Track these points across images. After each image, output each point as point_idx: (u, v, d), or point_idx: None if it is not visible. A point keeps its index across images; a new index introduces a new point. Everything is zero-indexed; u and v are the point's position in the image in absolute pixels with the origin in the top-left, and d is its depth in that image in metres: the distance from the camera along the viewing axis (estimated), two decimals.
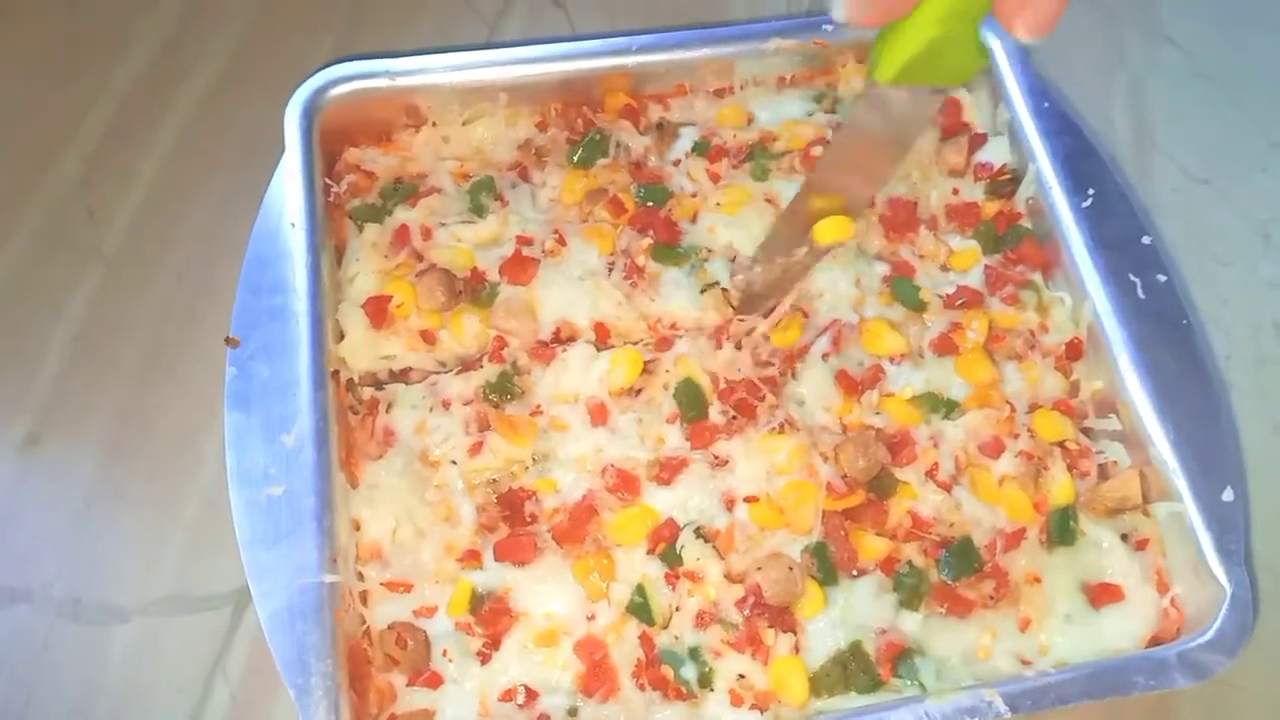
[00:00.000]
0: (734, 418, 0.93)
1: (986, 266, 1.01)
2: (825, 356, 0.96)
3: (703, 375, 0.94)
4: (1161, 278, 0.96)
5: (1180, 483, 0.88)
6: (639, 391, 0.95)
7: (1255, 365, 1.05)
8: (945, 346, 0.97)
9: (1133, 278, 0.96)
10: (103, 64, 1.23)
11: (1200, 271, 1.08)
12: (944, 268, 1.02)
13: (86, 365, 1.05)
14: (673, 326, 0.99)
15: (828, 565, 0.87)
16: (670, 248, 1.01)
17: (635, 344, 0.98)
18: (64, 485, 0.99)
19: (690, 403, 0.93)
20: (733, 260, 1.01)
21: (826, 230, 0.90)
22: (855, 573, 0.88)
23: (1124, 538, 0.90)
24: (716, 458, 0.92)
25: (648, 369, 0.95)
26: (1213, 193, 1.16)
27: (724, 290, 0.99)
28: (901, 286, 1.00)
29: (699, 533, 0.88)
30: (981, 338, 0.97)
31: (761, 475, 0.91)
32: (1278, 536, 0.94)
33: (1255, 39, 1.26)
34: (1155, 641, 0.86)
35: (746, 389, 0.94)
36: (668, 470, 0.91)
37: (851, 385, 0.95)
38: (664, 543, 0.88)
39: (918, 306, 0.99)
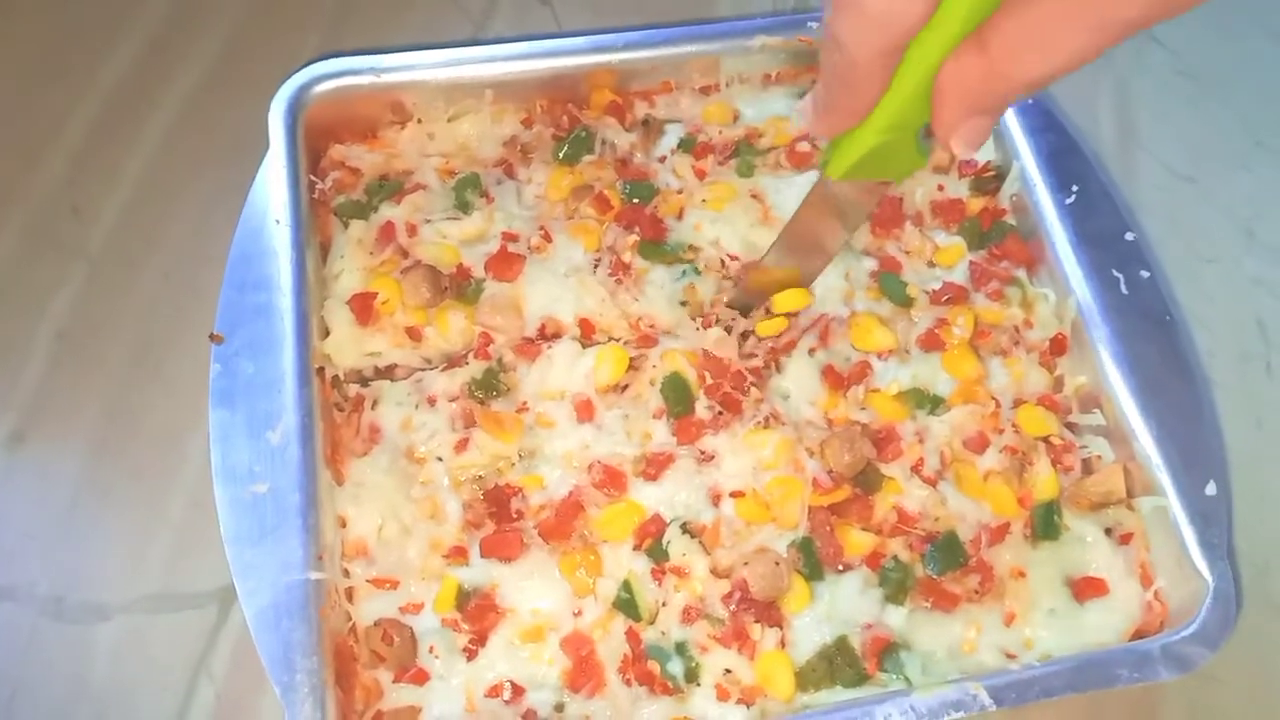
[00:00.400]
0: (720, 413, 0.93)
1: (971, 262, 1.02)
2: (811, 351, 0.96)
3: (689, 370, 0.94)
4: (1145, 274, 0.97)
5: (1163, 477, 0.88)
6: (625, 388, 0.95)
7: (1238, 361, 1.06)
8: (932, 342, 0.97)
9: (1116, 274, 0.97)
10: (89, 62, 1.23)
11: (1184, 268, 1.09)
12: (930, 264, 1.03)
13: (72, 363, 1.04)
14: (651, 326, 0.99)
15: (813, 560, 0.88)
16: (656, 244, 1.01)
17: (618, 340, 0.98)
18: (49, 483, 0.99)
19: (677, 398, 0.93)
20: (721, 266, 1.01)
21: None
22: (841, 568, 0.88)
23: (1108, 532, 0.90)
24: (703, 453, 0.92)
25: (633, 365, 0.95)
26: (1197, 190, 1.16)
27: (704, 306, 0.99)
28: (889, 282, 1.00)
29: (685, 528, 0.88)
30: (967, 334, 0.97)
31: (748, 470, 0.91)
32: (1259, 531, 0.95)
33: (1241, 38, 1.27)
34: (1139, 635, 0.86)
35: (732, 381, 0.94)
36: (654, 466, 0.91)
37: (837, 380, 0.95)
38: (650, 538, 0.88)
39: (905, 302, 1.00)
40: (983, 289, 1.00)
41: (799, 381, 0.95)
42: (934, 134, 0.67)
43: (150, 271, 1.09)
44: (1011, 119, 1.04)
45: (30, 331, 1.06)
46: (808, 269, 0.97)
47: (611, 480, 0.90)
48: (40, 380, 1.04)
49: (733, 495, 0.90)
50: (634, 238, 1.01)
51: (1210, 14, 1.29)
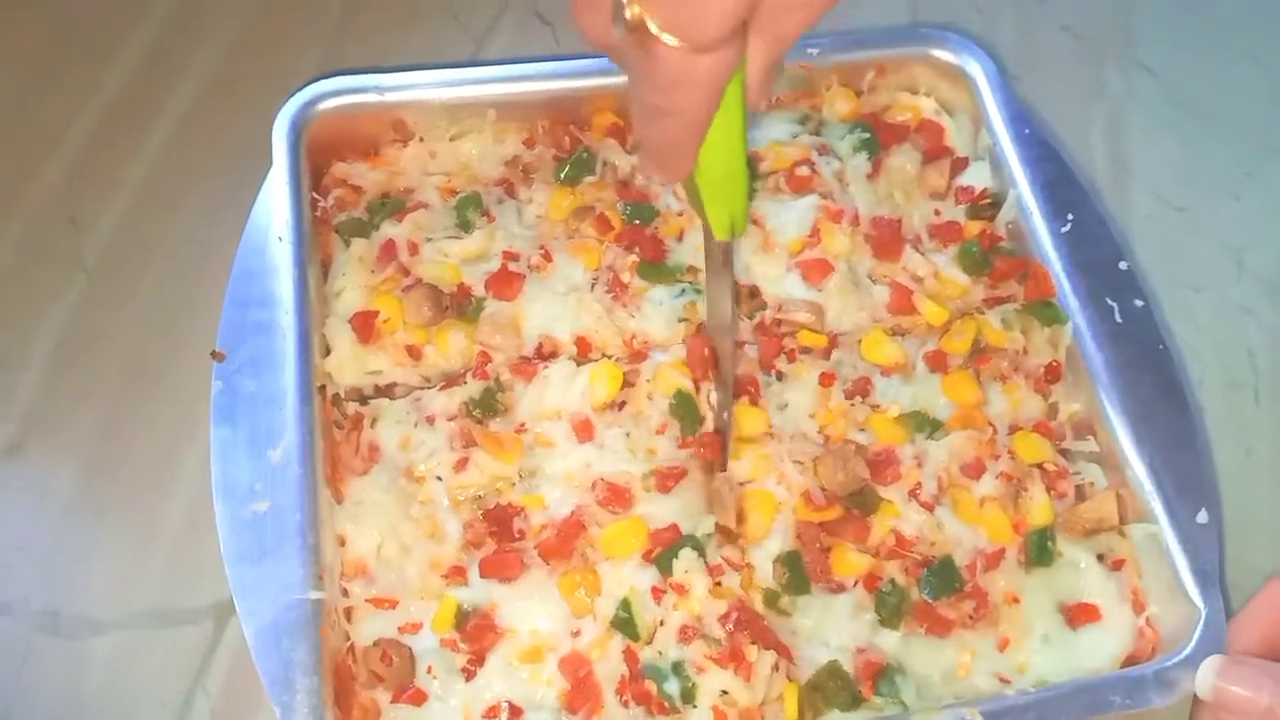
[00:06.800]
0: None
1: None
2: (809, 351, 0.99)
3: (688, 384, 0.95)
4: (1139, 302, 0.98)
5: (1156, 504, 0.89)
6: (623, 405, 0.96)
7: (1228, 390, 1.07)
8: (938, 361, 0.98)
9: (1110, 302, 0.98)
10: (88, 72, 1.23)
11: (1175, 297, 1.10)
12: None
13: (69, 375, 1.04)
14: (645, 343, 1.00)
15: (800, 574, 0.89)
16: (656, 265, 1.02)
17: (611, 357, 0.98)
18: (44, 496, 0.99)
19: (687, 415, 0.94)
20: None
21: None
22: (834, 588, 0.89)
23: (1100, 558, 0.91)
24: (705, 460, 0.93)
25: (628, 380, 0.96)
26: (1187, 220, 1.18)
27: (700, 325, 1.00)
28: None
29: (694, 542, 0.88)
30: (967, 342, 0.98)
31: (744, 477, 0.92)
32: (1250, 558, 0.96)
33: (1230, 69, 1.29)
34: (1131, 661, 0.87)
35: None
36: (670, 478, 0.91)
37: (829, 380, 0.97)
38: (662, 547, 0.88)
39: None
40: (988, 312, 1.01)
41: (799, 392, 0.96)
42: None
43: (149, 284, 1.09)
44: (1008, 148, 1.06)
45: (27, 342, 1.06)
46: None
47: (616, 497, 0.91)
48: (37, 392, 1.03)
49: None
50: (634, 258, 1.02)
51: (1201, 45, 1.31)
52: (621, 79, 1.07)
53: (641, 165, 0.76)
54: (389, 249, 1.01)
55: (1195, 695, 0.81)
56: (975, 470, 0.93)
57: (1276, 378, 1.08)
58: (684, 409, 0.94)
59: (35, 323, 1.07)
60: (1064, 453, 0.96)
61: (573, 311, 0.99)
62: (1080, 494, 0.94)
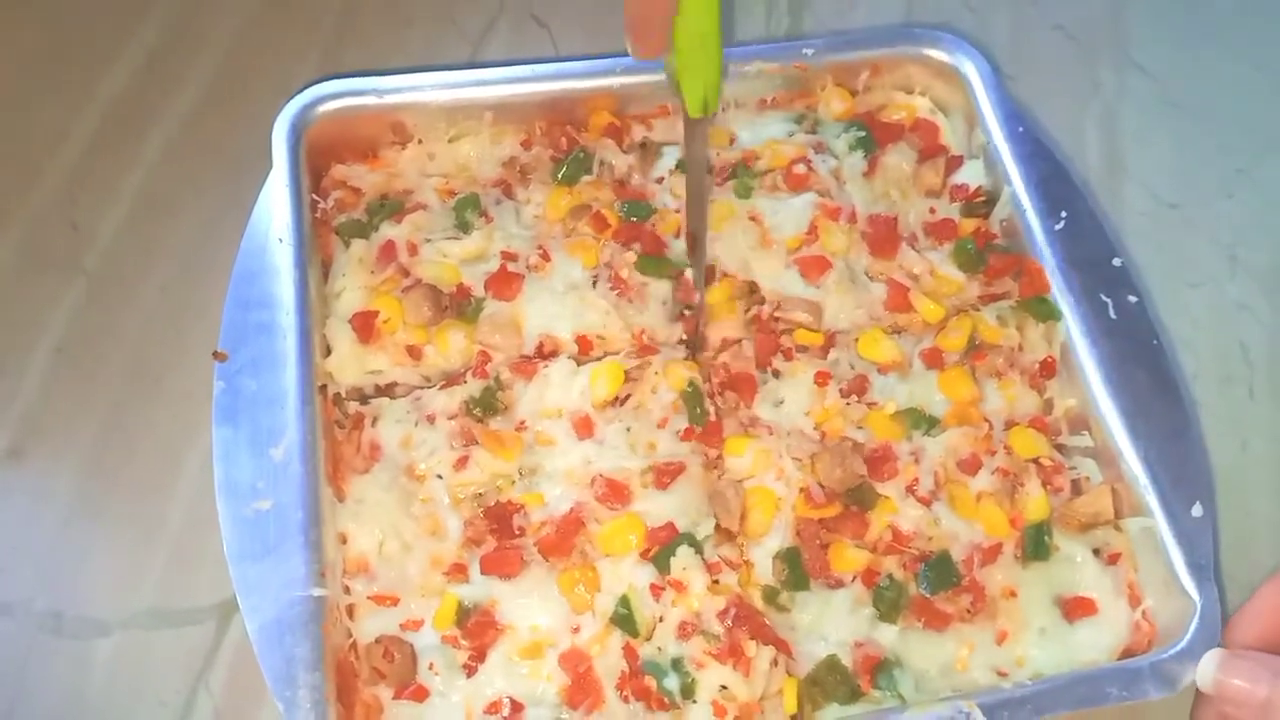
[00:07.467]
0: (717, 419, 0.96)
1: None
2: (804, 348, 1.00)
3: (696, 377, 0.96)
4: (1132, 298, 0.99)
5: (1151, 498, 0.90)
6: (626, 399, 0.96)
7: (1222, 384, 1.08)
8: (934, 359, 0.99)
9: (1104, 298, 0.99)
10: (87, 76, 1.23)
11: (1170, 293, 1.11)
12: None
13: (70, 378, 1.05)
14: (652, 339, 1.01)
15: (799, 570, 0.89)
16: (654, 258, 1.03)
17: (616, 354, 0.99)
18: (46, 498, 0.99)
19: (696, 411, 0.95)
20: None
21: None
22: (833, 583, 0.90)
23: (1096, 552, 0.92)
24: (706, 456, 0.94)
25: (632, 376, 0.97)
26: (1181, 217, 1.19)
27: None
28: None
29: (691, 540, 0.89)
30: (963, 339, 0.99)
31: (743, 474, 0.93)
32: (1245, 551, 0.97)
33: (1223, 67, 1.30)
34: (1128, 654, 0.87)
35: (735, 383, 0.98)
36: (667, 474, 0.92)
37: (825, 379, 0.97)
38: (660, 545, 0.89)
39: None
40: (983, 309, 1.02)
41: (796, 389, 0.97)
42: None
43: (149, 288, 1.10)
44: (1002, 146, 1.06)
45: (28, 347, 1.06)
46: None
47: (614, 494, 0.91)
48: (38, 395, 1.04)
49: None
50: (632, 254, 1.02)
51: (1195, 44, 1.32)
52: (617, 80, 1.10)
53: (627, 39, 0.82)
54: (388, 250, 1.02)
55: (1197, 689, 0.82)
56: (972, 466, 0.94)
57: (1272, 372, 1.09)
58: (691, 402, 0.95)
59: (37, 327, 1.07)
60: (1059, 448, 0.97)
61: (573, 310, 1.00)
62: (1076, 488, 0.95)
